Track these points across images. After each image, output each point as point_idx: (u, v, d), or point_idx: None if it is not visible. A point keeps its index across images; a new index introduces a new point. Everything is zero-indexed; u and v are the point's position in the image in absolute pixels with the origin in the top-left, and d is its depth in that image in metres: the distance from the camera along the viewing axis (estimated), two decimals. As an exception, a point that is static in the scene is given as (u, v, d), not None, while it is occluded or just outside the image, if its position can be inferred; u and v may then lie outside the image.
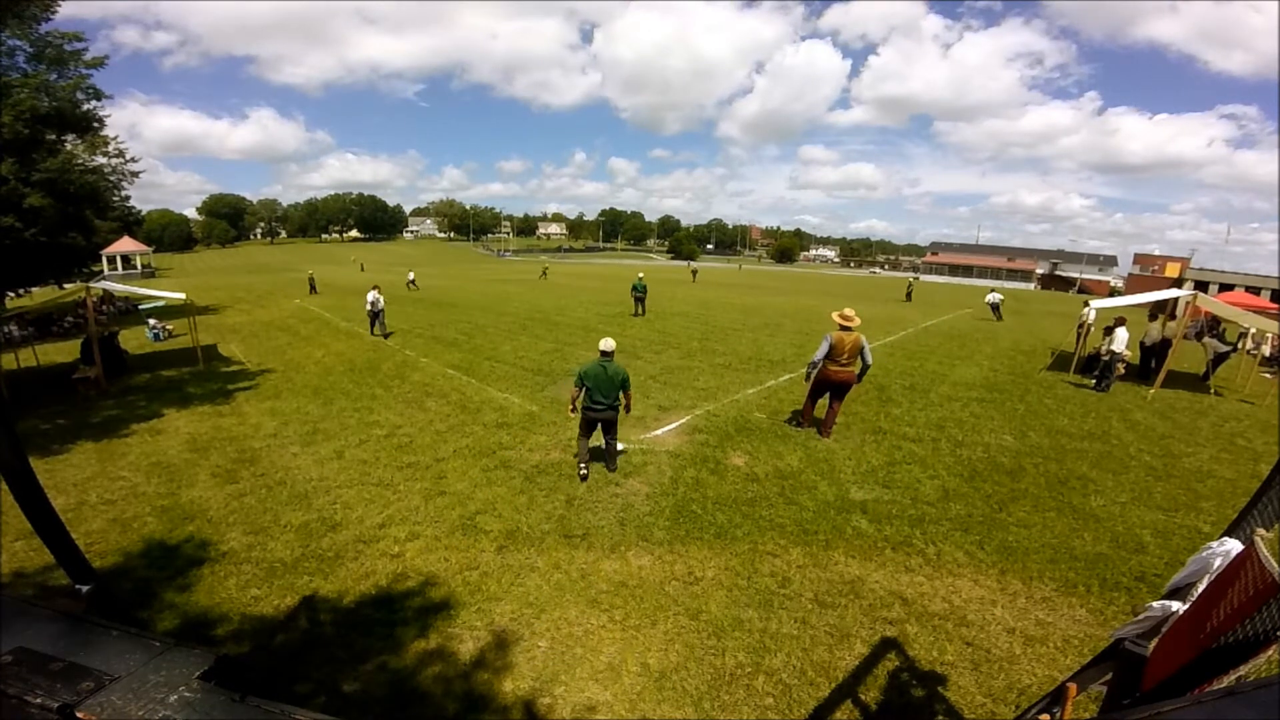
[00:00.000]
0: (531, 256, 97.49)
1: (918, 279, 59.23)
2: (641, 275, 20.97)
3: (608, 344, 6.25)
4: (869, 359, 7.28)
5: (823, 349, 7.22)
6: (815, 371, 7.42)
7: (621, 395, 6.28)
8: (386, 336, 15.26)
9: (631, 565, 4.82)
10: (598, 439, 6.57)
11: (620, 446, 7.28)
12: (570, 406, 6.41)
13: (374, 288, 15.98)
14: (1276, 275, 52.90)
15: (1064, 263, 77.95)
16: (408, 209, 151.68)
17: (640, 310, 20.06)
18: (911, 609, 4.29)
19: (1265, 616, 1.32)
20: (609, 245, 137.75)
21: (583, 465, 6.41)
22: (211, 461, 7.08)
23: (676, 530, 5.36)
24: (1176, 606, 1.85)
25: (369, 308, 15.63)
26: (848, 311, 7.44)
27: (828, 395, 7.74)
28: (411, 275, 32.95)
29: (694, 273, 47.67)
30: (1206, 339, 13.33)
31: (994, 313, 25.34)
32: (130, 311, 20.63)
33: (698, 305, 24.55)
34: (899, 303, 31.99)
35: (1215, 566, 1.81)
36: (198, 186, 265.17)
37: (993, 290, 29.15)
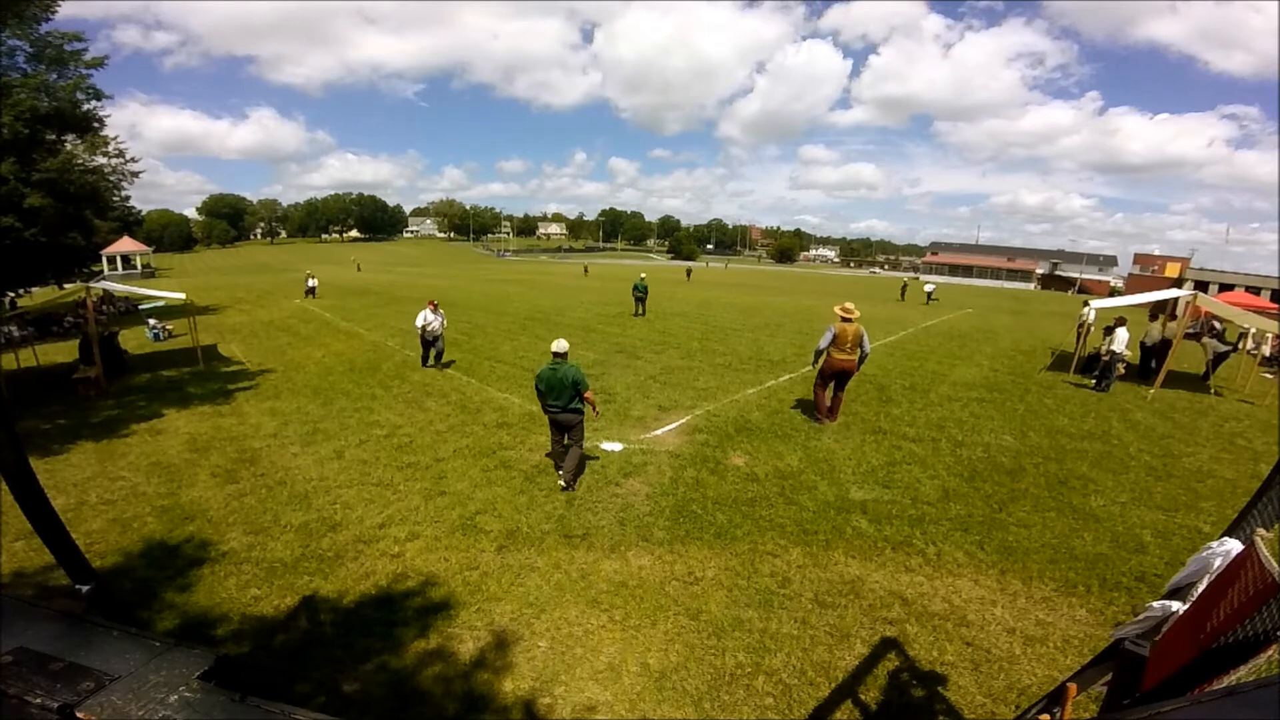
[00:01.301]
0: (531, 257, 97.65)
1: (917, 278, 59.38)
2: (643, 275, 20.97)
3: (559, 345, 6.16)
4: (867, 349, 7.90)
5: (826, 338, 7.87)
6: (821, 358, 8.03)
7: (580, 398, 5.98)
8: (444, 367, 11.66)
9: (631, 565, 4.82)
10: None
11: (616, 446, 7.29)
12: (542, 406, 6.28)
13: (429, 304, 11.68)
14: (1277, 275, 52.95)
15: (1064, 263, 78.02)
16: (408, 209, 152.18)
17: (641, 310, 20.05)
18: (911, 609, 4.29)
19: (1265, 616, 1.32)
20: (609, 245, 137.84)
21: (560, 470, 6.30)
22: (211, 461, 7.08)
23: (676, 530, 5.36)
24: (1176, 606, 1.85)
25: (422, 331, 11.57)
26: (848, 305, 8.01)
27: (832, 385, 8.27)
28: (312, 281, 26.20)
29: (688, 272, 49.23)
30: (1206, 339, 13.33)
31: (928, 299, 32.70)
32: (130, 311, 20.64)
33: (698, 305, 24.56)
34: (895, 302, 32.23)
35: (1215, 566, 1.81)
36: (198, 186, 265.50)
37: (928, 282, 39.79)
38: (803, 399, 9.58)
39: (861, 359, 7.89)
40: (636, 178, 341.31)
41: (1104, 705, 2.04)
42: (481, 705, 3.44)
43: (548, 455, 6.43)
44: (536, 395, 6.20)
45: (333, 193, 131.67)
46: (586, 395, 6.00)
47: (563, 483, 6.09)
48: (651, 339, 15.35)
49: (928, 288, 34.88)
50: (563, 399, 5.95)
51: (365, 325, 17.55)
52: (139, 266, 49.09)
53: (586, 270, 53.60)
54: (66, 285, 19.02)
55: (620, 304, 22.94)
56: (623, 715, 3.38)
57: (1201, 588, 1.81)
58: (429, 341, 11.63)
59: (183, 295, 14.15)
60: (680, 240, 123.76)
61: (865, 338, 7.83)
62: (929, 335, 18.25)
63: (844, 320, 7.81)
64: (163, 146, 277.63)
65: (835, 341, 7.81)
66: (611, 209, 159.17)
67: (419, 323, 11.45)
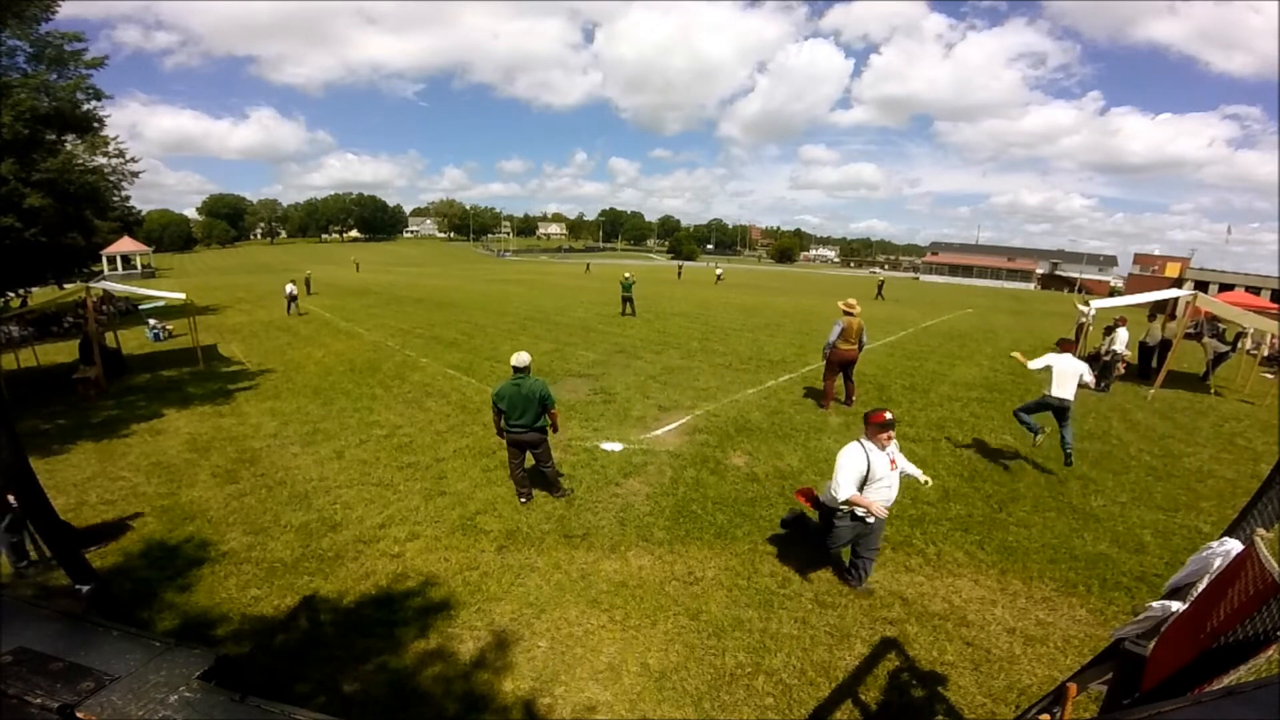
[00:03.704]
0: (531, 257, 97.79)
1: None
2: (628, 275, 20.91)
3: (519, 359, 5.55)
4: (865, 339, 8.92)
5: (835, 332, 8.57)
6: (830, 352, 8.69)
7: (546, 416, 5.56)
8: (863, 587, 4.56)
9: (631, 565, 4.82)
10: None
11: (616, 446, 7.28)
12: (496, 429, 5.78)
13: (876, 430, 4.17)
14: (1277, 275, 52.96)
15: (1064, 263, 77.93)
16: (408, 209, 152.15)
17: (629, 310, 19.80)
18: (911, 609, 4.29)
19: (1265, 616, 1.32)
20: (609, 245, 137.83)
21: (521, 495, 5.82)
22: (211, 461, 7.08)
23: (676, 530, 5.36)
24: (1176, 606, 1.85)
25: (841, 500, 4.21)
26: (850, 300, 8.88)
27: (841, 375, 9.02)
28: (291, 288, 21.12)
29: (679, 271, 50.28)
30: (1206, 339, 13.32)
31: (717, 279, 40.28)
32: (130, 311, 20.63)
33: (697, 305, 24.56)
34: (883, 301, 31.98)
35: (1215, 566, 1.81)
36: (198, 186, 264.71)
37: (719, 266, 48.22)
38: (803, 398, 9.60)
39: (860, 347, 8.79)
40: (637, 178, 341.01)
41: (1104, 705, 2.04)
42: (481, 705, 3.44)
43: (521, 487, 5.84)
44: (494, 414, 5.63)
45: (333, 193, 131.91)
46: (552, 412, 5.59)
47: (523, 499, 5.81)
48: (651, 339, 15.34)
49: (718, 271, 43.52)
50: (527, 417, 5.45)
51: (365, 325, 17.55)
52: (139, 266, 49.08)
53: (588, 268, 56.21)
54: (66, 285, 19.04)
55: (619, 304, 22.93)
56: (623, 715, 3.38)
57: (1201, 588, 1.81)
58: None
59: (183, 295, 14.15)
60: (680, 240, 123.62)
61: (864, 331, 8.78)
62: (929, 335, 18.25)
63: (847, 315, 8.58)
64: (163, 146, 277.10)
65: (843, 334, 8.52)
66: (612, 209, 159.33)
67: (847, 485, 4.11)
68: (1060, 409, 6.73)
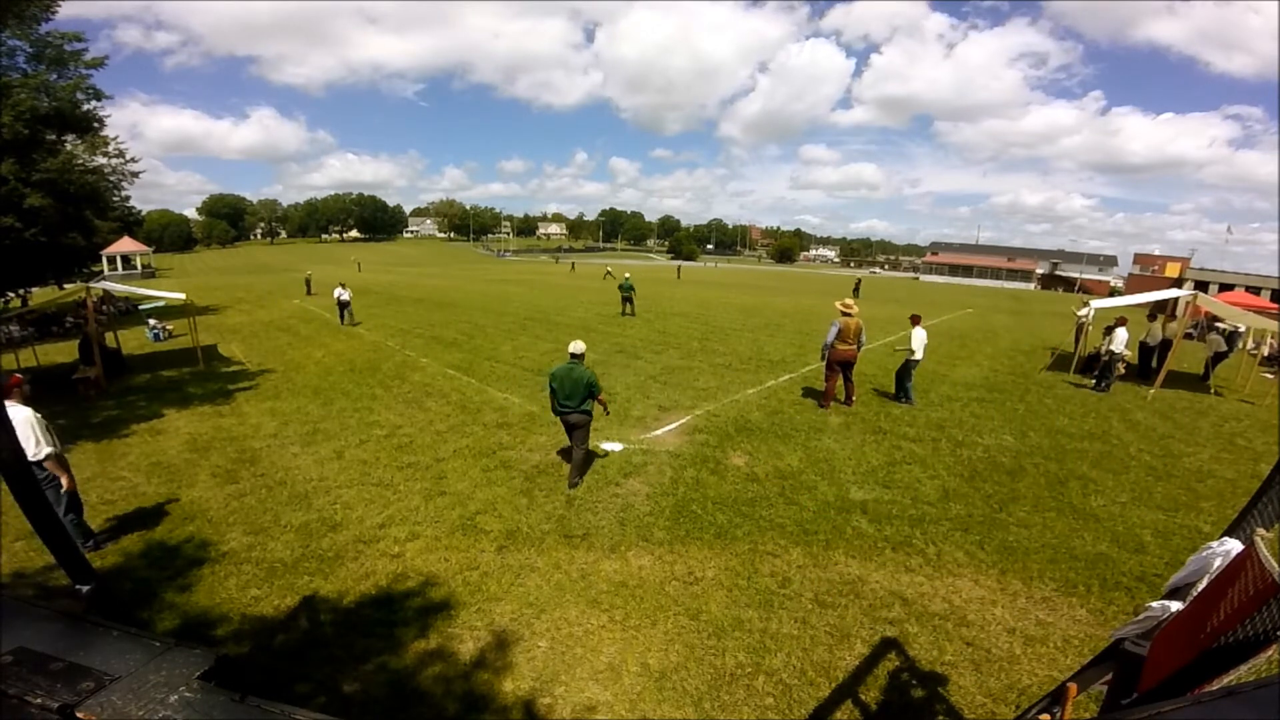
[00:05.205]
0: (531, 256, 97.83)
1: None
2: (628, 275, 21.01)
3: (576, 346, 6.18)
4: (863, 339, 8.95)
5: (833, 332, 8.64)
6: (829, 352, 8.76)
7: (590, 400, 6.05)
8: None
9: (631, 565, 4.82)
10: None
11: (616, 446, 7.28)
12: (551, 408, 6.24)
13: None
14: (1277, 275, 52.95)
15: (1064, 263, 77.90)
16: (408, 209, 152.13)
17: (629, 310, 19.85)
18: (911, 609, 4.29)
19: (1265, 616, 1.32)
20: (609, 245, 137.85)
21: (573, 482, 6.27)
22: (211, 461, 7.08)
23: (676, 530, 5.36)
24: (1176, 606, 1.85)
25: None
26: (848, 301, 9.00)
27: (840, 375, 9.04)
28: (342, 293, 17.53)
29: (678, 270, 50.45)
30: (1210, 336, 13.32)
31: (606, 274, 39.22)
32: (130, 311, 20.63)
33: (697, 305, 24.56)
34: (859, 299, 31.91)
35: (1215, 566, 1.81)
36: (198, 186, 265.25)
37: (627, 271, 47.26)
38: (803, 397, 9.60)
39: (859, 347, 8.83)
40: (637, 178, 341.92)
41: (1104, 705, 2.04)
42: (481, 705, 3.44)
43: (559, 453, 6.41)
44: (550, 394, 6.14)
45: (333, 193, 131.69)
46: (600, 398, 6.14)
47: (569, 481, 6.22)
48: (651, 339, 15.34)
49: (625, 275, 42.18)
50: (574, 399, 5.96)
51: (365, 325, 17.54)
52: (139, 267, 49.02)
53: (573, 267, 57.23)
54: (66, 285, 19.04)
55: (619, 305, 22.93)
56: (623, 715, 3.38)
57: (1201, 587, 1.81)
58: None
59: (183, 295, 14.15)
60: (680, 240, 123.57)
61: (863, 330, 8.83)
62: (929, 335, 18.21)
63: (844, 315, 8.62)
64: (163, 146, 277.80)
65: (841, 334, 8.59)
66: (612, 209, 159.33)
67: None
68: (913, 367, 9.32)
